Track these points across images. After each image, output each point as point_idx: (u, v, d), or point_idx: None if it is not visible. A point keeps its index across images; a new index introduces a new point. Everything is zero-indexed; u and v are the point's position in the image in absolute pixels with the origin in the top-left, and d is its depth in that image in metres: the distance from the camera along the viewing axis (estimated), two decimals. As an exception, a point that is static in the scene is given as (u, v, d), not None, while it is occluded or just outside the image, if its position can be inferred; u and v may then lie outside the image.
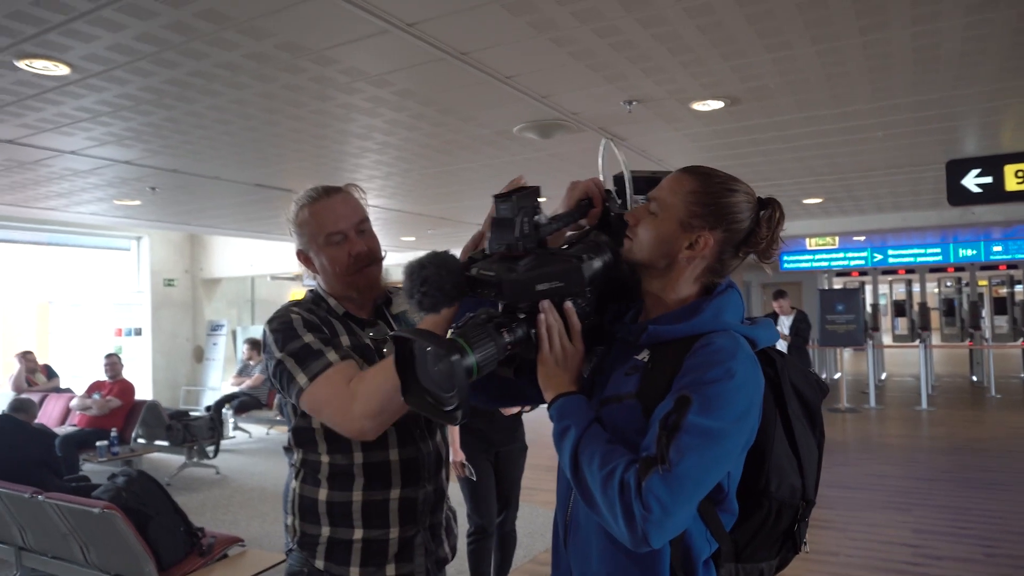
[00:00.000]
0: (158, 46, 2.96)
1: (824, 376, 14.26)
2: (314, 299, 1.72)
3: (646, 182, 1.37)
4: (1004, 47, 3.16)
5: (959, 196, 5.21)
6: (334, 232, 1.64)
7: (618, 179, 1.43)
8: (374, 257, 1.68)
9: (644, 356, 1.24)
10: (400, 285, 1.79)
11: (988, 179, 5.11)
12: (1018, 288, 16.20)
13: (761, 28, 2.90)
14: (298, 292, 14.24)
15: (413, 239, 9.98)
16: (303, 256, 1.71)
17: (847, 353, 13.98)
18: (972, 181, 5.15)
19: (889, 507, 5.90)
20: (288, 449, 1.70)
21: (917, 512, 5.72)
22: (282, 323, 1.60)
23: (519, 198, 1.22)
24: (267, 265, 11.79)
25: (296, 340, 1.55)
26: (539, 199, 1.26)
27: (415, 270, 1.19)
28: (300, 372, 1.51)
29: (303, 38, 2.94)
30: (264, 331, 1.64)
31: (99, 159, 4.99)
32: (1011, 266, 14.78)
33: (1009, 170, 5.05)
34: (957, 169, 5.17)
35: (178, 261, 12.23)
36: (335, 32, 2.89)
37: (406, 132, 4.41)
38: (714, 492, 1.18)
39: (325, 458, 1.62)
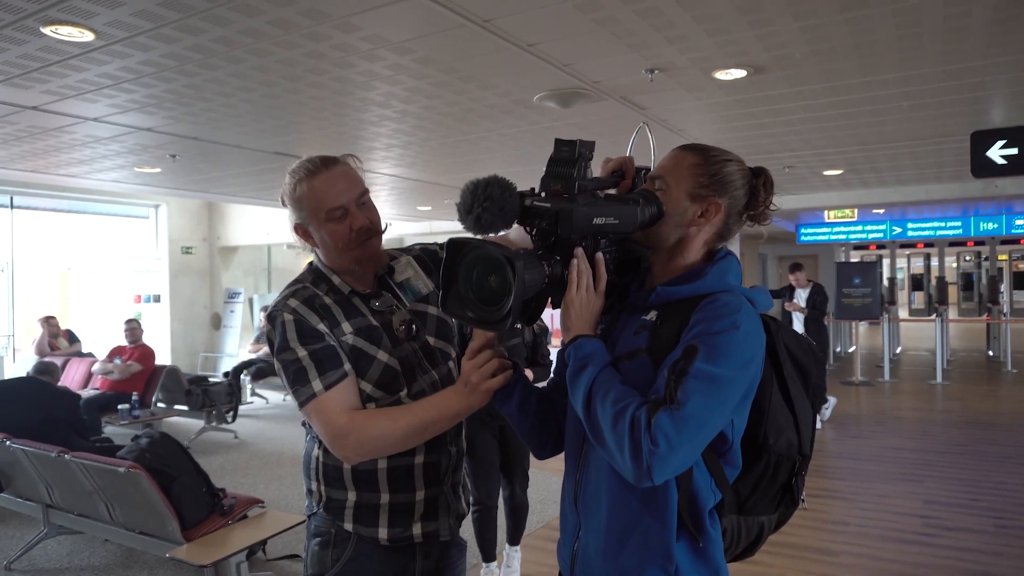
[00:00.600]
0: (182, 12, 2.96)
1: (839, 349, 14.24)
2: (315, 278, 1.68)
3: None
4: (1036, 16, 3.10)
5: (983, 168, 5.14)
6: (335, 207, 1.59)
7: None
8: (375, 230, 1.65)
9: (652, 316, 1.33)
10: (395, 253, 1.80)
11: (1014, 150, 5.03)
12: (1038, 263, 16.03)
13: (789, -5, 2.86)
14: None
15: (429, 208, 9.99)
16: (301, 230, 1.66)
17: (863, 327, 13.94)
18: (997, 152, 5.07)
19: (901, 479, 5.94)
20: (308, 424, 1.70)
21: (929, 484, 5.75)
22: (279, 327, 1.57)
23: (581, 144, 1.29)
24: (283, 234, 11.62)
25: (288, 351, 1.54)
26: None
27: (479, 187, 1.23)
28: (292, 393, 1.56)
29: (326, 4, 2.93)
30: (264, 323, 1.64)
31: (121, 126, 5.02)
32: (1032, 240, 14.61)
33: (1035, 142, 4.97)
34: (982, 140, 5.09)
35: (196, 229, 12.31)
36: (359, -2, 2.87)
37: (426, 100, 4.40)
38: (719, 443, 1.27)
39: None
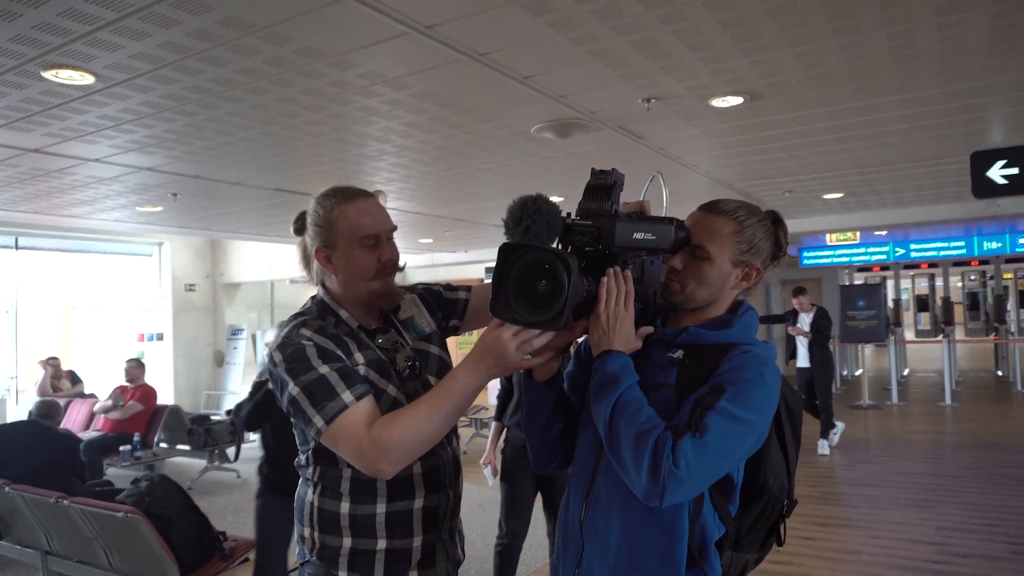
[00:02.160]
0: (180, 54, 2.98)
1: (845, 373, 14.14)
2: (320, 311, 1.66)
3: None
4: (1031, 36, 3.11)
5: (984, 188, 5.13)
6: (370, 235, 1.61)
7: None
8: (396, 267, 1.67)
9: (679, 354, 1.41)
10: (400, 291, 1.78)
11: (1014, 170, 5.03)
12: (1044, 281, 15.96)
13: (783, 22, 2.87)
14: (316, 295, 14.24)
15: (431, 241, 10.01)
16: (323, 254, 1.64)
17: (868, 349, 13.85)
18: (997, 172, 5.07)
19: (913, 505, 5.84)
20: (303, 465, 1.67)
21: (942, 510, 5.65)
22: (294, 350, 1.53)
23: (616, 174, 1.40)
24: (286, 269, 11.86)
25: (310, 372, 1.50)
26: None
27: (529, 203, 1.32)
28: (316, 414, 1.47)
29: (322, 43, 2.95)
30: (271, 356, 1.57)
31: (122, 166, 5.04)
32: (1036, 259, 14.54)
33: (1035, 161, 4.97)
34: (982, 161, 5.09)
35: (199, 266, 12.33)
36: (353, 36, 2.89)
37: (424, 134, 4.42)
38: (725, 483, 1.36)
39: (348, 472, 1.59)
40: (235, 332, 12.51)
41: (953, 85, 3.75)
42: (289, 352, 1.54)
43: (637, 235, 1.36)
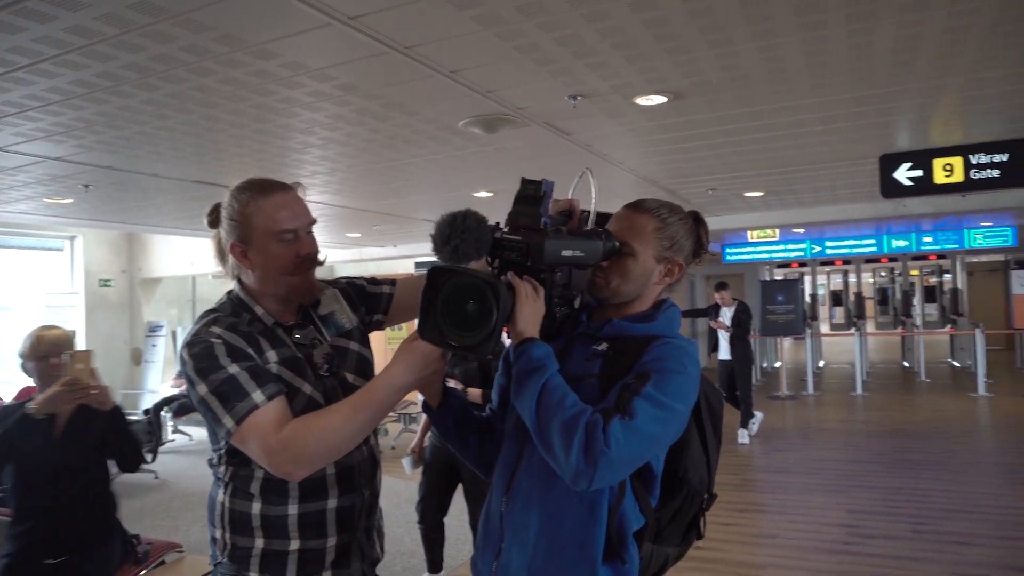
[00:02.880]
0: (89, 38, 2.84)
1: (765, 365, 14.65)
2: (234, 308, 1.62)
3: (601, 217, 1.59)
4: (934, 46, 3.27)
5: (892, 189, 5.40)
6: (287, 229, 1.57)
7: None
8: (315, 261, 1.64)
9: (603, 347, 1.44)
10: (321, 285, 1.75)
11: (918, 172, 5.31)
12: (946, 277, 16.91)
13: (703, 24, 2.94)
14: (241, 290, 13.86)
15: (359, 235, 9.86)
16: (239, 249, 1.59)
17: (787, 342, 14.40)
18: (904, 174, 5.34)
19: (826, 490, 6.11)
20: (215, 464, 1.62)
21: (852, 494, 5.94)
22: (203, 348, 1.49)
23: (547, 184, 1.41)
24: (208, 263, 11.46)
25: (219, 371, 1.45)
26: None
27: (457, 219, 1.31)
28: (226, 414, 1.43)
29: (242, 31, 2.86)
30: (182, 354, 1.53)
31: (28, 155, 4.77)
32: (940, 256, 15.40)
33: (938, 163, 5.25)
34: (890, 163, 5.35)
35: (114, 261, 11.81)
36: (275, 25, 2.82)
37: (349, 127, 4.34)
38: (645, 473, 1.39)
39: (259, 472, 1.55)
40: (154, 329, 12.04)
41: (864, 90, 3.92)
42: (197, 351, 1.49)
43: (565, 252, 1.38)
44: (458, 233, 1.30)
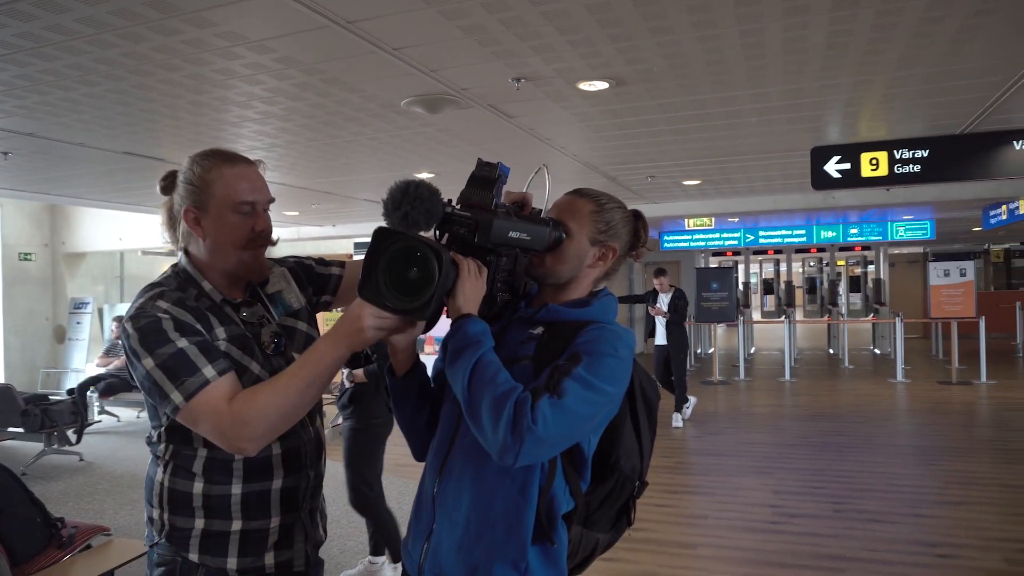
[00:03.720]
0: (9, -4, 2.70)
1: (699, 351, 15.03)
2: (180, 283, 1.57)
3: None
4: (862, 43, 3.40)
5: (821, 180, 5.59)
6: (247, 201, 1.54)
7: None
8: (269, 239, 1.62)
9: (539, 330, 1.46)
10: (270, 263, 1.73)
11: (847, 165, 5.52)
12: (870, 268, 17.64)
13: (646, 11, 2.98)
14: (172, 268, 13.44)
15: (297, 214, 9.67)
16: (192, 215, 1.54)
17: (720, 329, 14.79)
18: (833, 167, 5.54)
19: (755, 471, 6.33)
20: (154, 442, 1.57)
21: (779, 475, 6.16)
22: (149, 322, 1.44)
23: (501, 167, 1.42)
24: (138, 239, 11.09)
25: (167, 345, 1.41)
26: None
27: (411, 188, 1.31)
28: (174, 389, 1.39)
29: (176, -4, 2.77)
30: (125, 328, 1.47)
31: (-61, 119, 4.52)
32: (865, 247, 16.06)
33: (864, 157, 5.47)
34: (820, 155, 5.54)
35: (35, 233, 11.29)
36: (212, -9, 2.73)
37: (289, 102, 4.25)
38: (576, 456, 1.41)
39: (203, 452, 1.52)
40: (79, 306, 11.58)
41: (796, 84, 4.05)
42: (143, 324, 1.44)
43: (513, 234, 1.40)
44: (410, 200, 1.30)
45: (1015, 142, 5.06)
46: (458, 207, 1.39)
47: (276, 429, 1.42)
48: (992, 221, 9.98)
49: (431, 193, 1.32)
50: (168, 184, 1.61)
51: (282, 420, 1.42)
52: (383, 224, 1.35)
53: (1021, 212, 8.82)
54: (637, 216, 1.58)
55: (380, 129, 4.96)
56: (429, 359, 1.58)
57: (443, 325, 1.44)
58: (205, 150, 1.59)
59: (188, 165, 1.58)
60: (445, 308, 1.40)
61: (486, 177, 1.41)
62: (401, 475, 5.74)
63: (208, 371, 1.41)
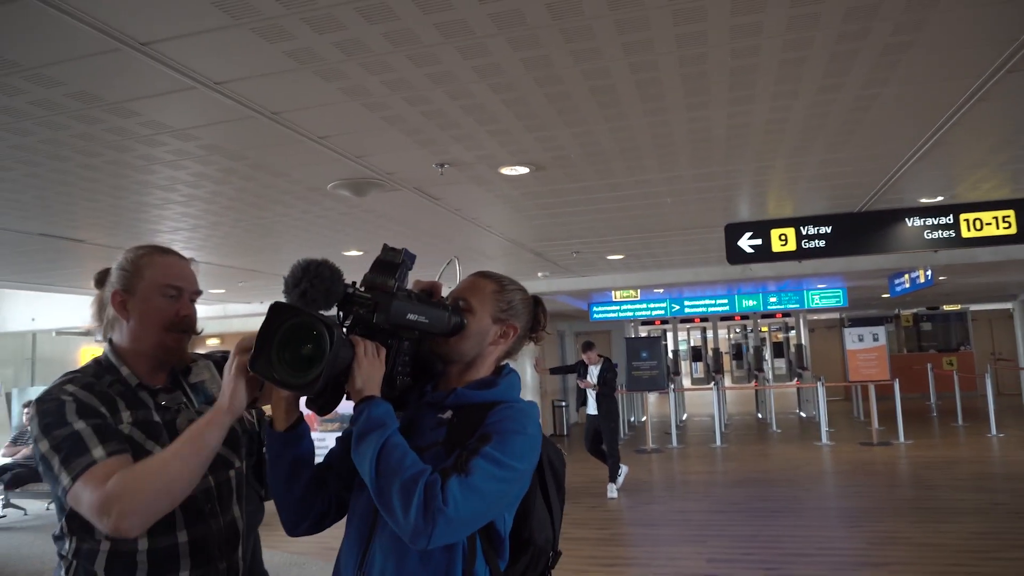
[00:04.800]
0: (-78, 87, 2.69)
1: (632, 419, 15.17)
2: (98, 370, 1.59)
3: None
4: (760, 134, 3.68)
5: (736, 255, 5.87)
6: (173, 286, 1.62)
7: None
8: (193, 327, 1.67)
9: (448, 414, 1.48)
10: (196, 356, 1.75)
11: (758, 241, 5.81)
12: (792, 333, 18.31)
13: (560, 107, 3.17)
14: (89, 349, 12.94)
15: (223, 291, 9.51)
16: (119, 298, 1.60)
17: (652, 397, 15.00)
18: (746, 242, 5.83)
19: (688, 540, 6.38)
20: (59, 537, 1.54)
21: (711, 543, 6.22)
22: (52, 405, 1.46)
23: (406, 254, 1.47)
24: (52, 319, 10.65)
25: (64, 427, 1.43)
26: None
27: (311, 266, 1.34)
28: (63, 471, 1.39)
29: (99, 89, 2.79)
30: (32, 411, 1.50)
31: None
32: (785, 314, 16.71)
33: (774, 233, 5.78)
34: (734, 232, 5.83)
35: (-60, 315, 10.73)
36: (135, 86, 2.78)
37: (214, 185, 4.26)
38: (493, 536, 1.43)
39: (105, 545, 1.48)
40: (-15, 391, 10.96)
41: (705, 167, 4.31)
42: (45, 407, 1.47)
43: (411, 316, 1.43)
44: (309, 278, 1.32)
45: (906, 219, 5.45)
46: (361, 289, 1.42)
47: (152, 505, 1.37)
48: (898, 289, 10.58)
49: (332, 273, 1.34)
50: (101, 278, 1.69)
51: (159, 496, 1.38)
52: (280, 300, 1.38)
53: (921, 281, 9.41)
54: (537, 301, 1.65)
55: (306, 211, 5.01)
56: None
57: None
58: (143, 245, 1.69)
59: (123, 255, 1.66)
60: (346, 392, 1.42)
61: (390, 262, 1.44)
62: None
63: (97, 452, 1.41)
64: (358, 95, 2.95)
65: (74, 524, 1.50)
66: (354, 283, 1.42)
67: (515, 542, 1.50)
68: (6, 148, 3.43)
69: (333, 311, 1.42)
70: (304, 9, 2.25)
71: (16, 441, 9.18)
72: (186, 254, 1.76)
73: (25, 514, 8.83)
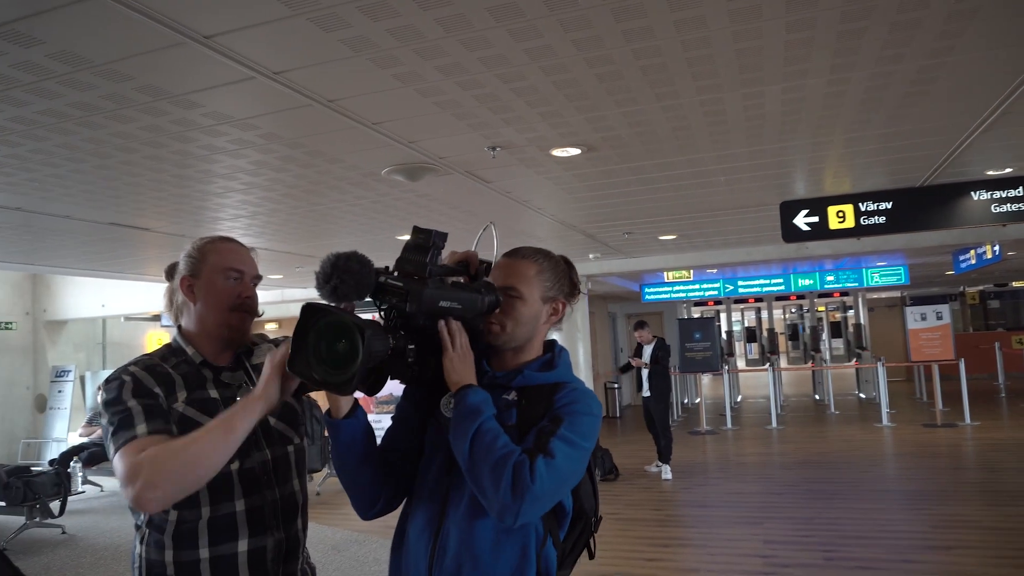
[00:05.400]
0: (3, 84, 2.83)
1: (686, 401, 15.07)
2: (166, 353, 1.71)
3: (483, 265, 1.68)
4: (816, 108, 3.60)
5: (792, 233, 5.77)
6: (235, 268, 1.72)
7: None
8: (255, 308, 1.76)
9: (512, 396, 1.54)
10: (259, 339, 1.83)
11: (815, 218, 5.71)
12: (850, 313, 17.87)
13: (610, 86, 3.16)
14: (156, 333, 13.45)
15: (280, 277, 9.76)
16: (187, 283, 1.72)
17: (706, 378, 14.85)
18: (802, 220, 5.73)
19: (744, 522, 6.34)
20: (133, 509, 1.61)
21: (768, 525, 6.17)
22: (112, 385, 1.58)
23: (436, 234, 1.47)
24: (120, 305, 11.10)
25: (117, 405, 1.54)
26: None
27: (340, 259, 1.34)
28: (111, 443, 1.51)
29: (165, 82, 2.90)
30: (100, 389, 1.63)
31: (-72, 197, 4.61)
32: (843, 293, 16.31)
33: (832, 210, 5.67)
34: (789, 210, 5.74)
35: (17, 302, 11.28)
36: (199, 78, 2.88)
37: (273, 173, 4.38)
38: (559, 511, 1.50)
39: (173, 515, 1.57)
40: (60, 374, 11.50)
41: (758, 145, 4.24)
42: (109, 385, 1.59)
43: (443, 303, 1.46)
44: (339, 274, 1.33)
45: (972, 192, 5.28)
46: (395, 274, 1.43)
47: (175, 479, 1.42)
48: (962, 265, 10.23)
49: (361, 265, 1.35)
50: (171, 270, 1.80)
51: (183, 471, 1.42)
52: (313, 300, 1.42)
53: (988, 257, 9.07)
54: (567, 263, 1.69)
55: (361, 196, 5.11)
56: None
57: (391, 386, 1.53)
58: (206, 236, 1.80)
59: (189, 244, 1.78)
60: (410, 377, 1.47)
61: (420, 245, 1.47)
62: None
63: (140, 428, 1.50)
64: (412, 81, 3.00)
65: None
66: (387, 268, 1.43)
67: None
68: (80, 141, 3.59)
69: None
70: (359, -2, 2.30)
71: (91, 421, 9.65)
72: (246, 241, 1.85)
73: (101, 490, 9.29)
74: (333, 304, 1.38)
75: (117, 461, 1.47)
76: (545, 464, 1.35)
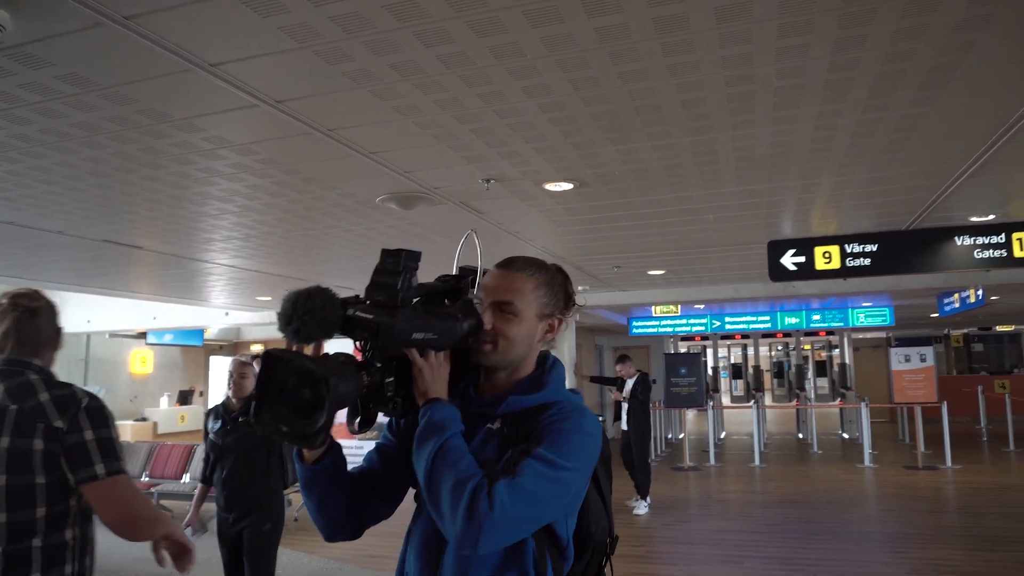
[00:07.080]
0: (8, 103, 2.87)
1: (670, 436, 15.05)
2: None
3: (463, 271, 1.55)
4: (805, 152, 3.69)
5: (779, 273, 5.85)
6: None
7: (464, 269, 1.56)
8: None
9: (496, 425, 1.41)
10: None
11: (802, 258, 5.78)
12: (835, 352, 17.99)
13: (604, 124, 3.24)
14: (140, 351, 13.35)
15: (269, 299, 9.74)
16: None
17: (690, 414, 14.85)
18: (789, 260, 5.81)
19: (724, 560, 6.32)
20: None
21: (748, 564, 6.16)
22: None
23: (406, 256, 1.36)
24: (106, 321, 11.05)
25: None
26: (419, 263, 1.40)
27: (300, 298, 1.23)
28: (100, 463, 1.72)
29: (168, 106, 2.96)
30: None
31: (-79, 209, 4.61)
32: (829, 332, 16.45)
33: (818, 251, 5.75)
34: (777, 249, 5.81)
35: None
36: (202, 103, 2.93)
37: (268, 197, 4.42)
38: (556, 541, 1.37)
39: None
40: (42, 391, 11.36)
41: (748, 185, 4.33)
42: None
43: (417, 335, 1.33)
44: (299, 314, 1.23)
45: (956, 237, 5.38)
46: (366, 303, 1.33)
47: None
48: (947, 308, 10.36)
49: (324, 301, 1.24)
50: None
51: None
52: (271, 349, 1.30)
53: (972, 300, 9.21)
54: (564, 275, 1.55)
55: (355, 223, 5.15)
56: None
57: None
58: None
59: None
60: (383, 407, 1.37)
61: (390, 270, 1.34)
62: (373, 566, 5.65)
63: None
64: (410, 113, 3.06)
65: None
66: (356, 297, 1.34)
67: (575, 539, 1.44)
68: (79, 160, 3.63)
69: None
70: (365, 33, 2.36)
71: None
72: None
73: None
74: (295, 347, 1.27)
75: (110, 487, 1.62)
76: (508, 488, 1.21)
